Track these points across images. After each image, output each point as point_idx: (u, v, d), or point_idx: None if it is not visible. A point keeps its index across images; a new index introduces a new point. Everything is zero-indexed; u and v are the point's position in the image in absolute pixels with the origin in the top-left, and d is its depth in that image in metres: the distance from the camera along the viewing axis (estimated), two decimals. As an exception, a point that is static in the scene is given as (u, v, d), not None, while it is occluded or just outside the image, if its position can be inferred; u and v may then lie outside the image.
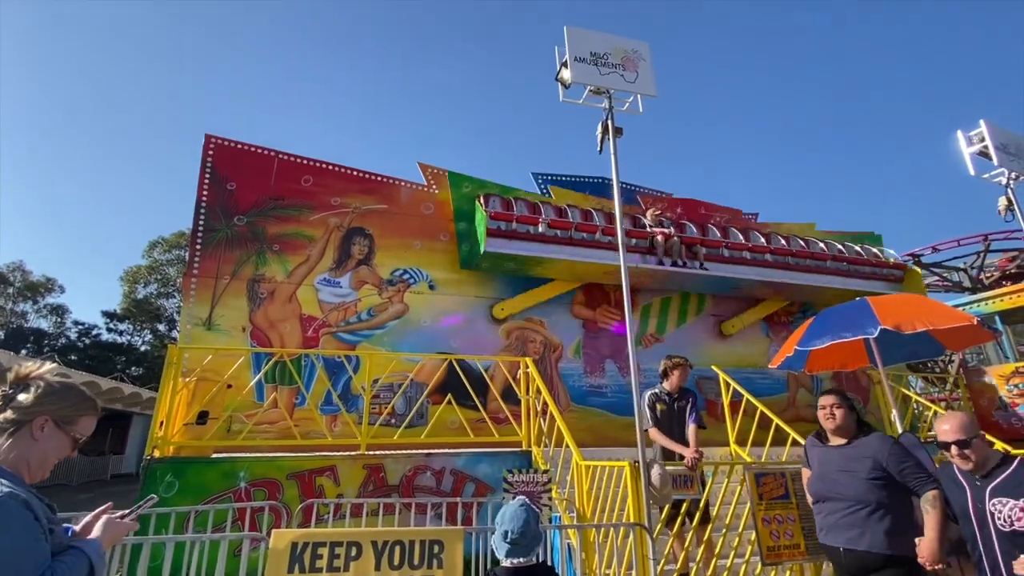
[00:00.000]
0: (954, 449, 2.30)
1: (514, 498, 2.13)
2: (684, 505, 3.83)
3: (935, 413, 7.02)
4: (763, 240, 9.15)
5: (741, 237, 9.03)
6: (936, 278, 16.18)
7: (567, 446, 4.53)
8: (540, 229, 7.60)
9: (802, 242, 9.51)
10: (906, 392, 7.00)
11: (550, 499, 3.85)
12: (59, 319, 32.98)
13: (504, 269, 7.91)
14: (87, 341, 32.42)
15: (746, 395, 6.03)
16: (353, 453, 4.97)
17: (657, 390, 4.46)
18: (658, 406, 4.35)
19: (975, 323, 3.80)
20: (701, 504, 3.78)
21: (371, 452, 5.04)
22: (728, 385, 6.33)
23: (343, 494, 4.73)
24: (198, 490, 4.50)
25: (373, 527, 4.29)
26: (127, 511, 1.47)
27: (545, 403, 5.18)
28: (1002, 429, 7.52)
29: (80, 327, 32.96)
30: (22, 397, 1.33)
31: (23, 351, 28.38)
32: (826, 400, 2.90)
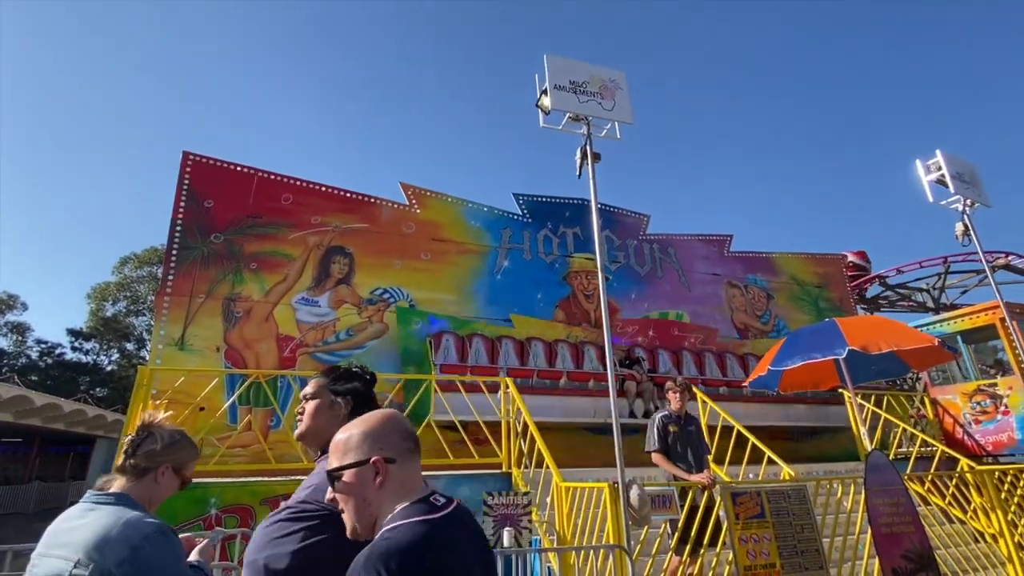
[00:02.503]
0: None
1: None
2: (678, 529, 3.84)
3: (903, 430, 7.24)
4: (740, 370, 8.70)
5: (716, 367, 8.71)
6: (901, 298, 16.80)
7: (547, 467, 4.52)
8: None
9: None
10: (876, 410, 7.19)
11: (530, 522, 3.83)
12: (20, 337, 31.61)
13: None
14: (49, 360, 31.12)
15: (723, 414, 6.13)
16: (329, 477, 4.87)
17: (667, 412, 4.42)
18: (670, 428, 4.32)
19: (936, 344, 3.97)
20: (710, 528, 3.73)
21: (348, 475, 4.94)
22: (706, 404, 6.43)
23: (318, 519, 4.61)
24: (166, 518, 4.30)
25: (349, 553, 4.19)
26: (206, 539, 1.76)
27: (525, 423, 5.18)
28: (966, 446, 7.77)
29: (43, 346, 31.66)
30: (149, 446, 1.56)
31: (-21, 371, 27.05)
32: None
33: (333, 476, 1.07)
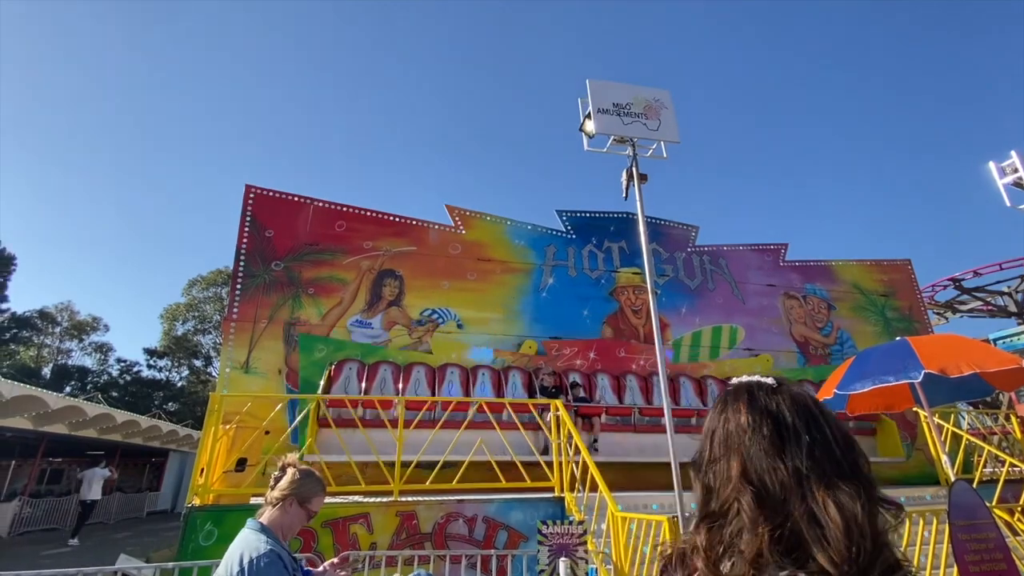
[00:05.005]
0: None
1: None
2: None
3: (988, 451, 6.66)
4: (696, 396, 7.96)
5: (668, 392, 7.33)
6: (979, 303, 15.55)
7: (602, 494, 4.46)
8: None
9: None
10: (956, 431, 6.67)
11: (586, 551, 3.78)
12: (103, 356, 34.27)
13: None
14: (128, 378, 33.52)
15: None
16: (386, 500, 5.00)
17: None
18: None
19: (1023, 365, 3.66)
20: None
21: (404, 499, 5.05)
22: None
23: (376, 542, 4.73)
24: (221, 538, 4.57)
25: (408, 578, 4.26)
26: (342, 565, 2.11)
27: (577, 447, 5.13)
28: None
29: (122, 364, 34.18)
30: (283, 481, 1.88)
31: (67, 388, 29.48)
32: None
33: None
